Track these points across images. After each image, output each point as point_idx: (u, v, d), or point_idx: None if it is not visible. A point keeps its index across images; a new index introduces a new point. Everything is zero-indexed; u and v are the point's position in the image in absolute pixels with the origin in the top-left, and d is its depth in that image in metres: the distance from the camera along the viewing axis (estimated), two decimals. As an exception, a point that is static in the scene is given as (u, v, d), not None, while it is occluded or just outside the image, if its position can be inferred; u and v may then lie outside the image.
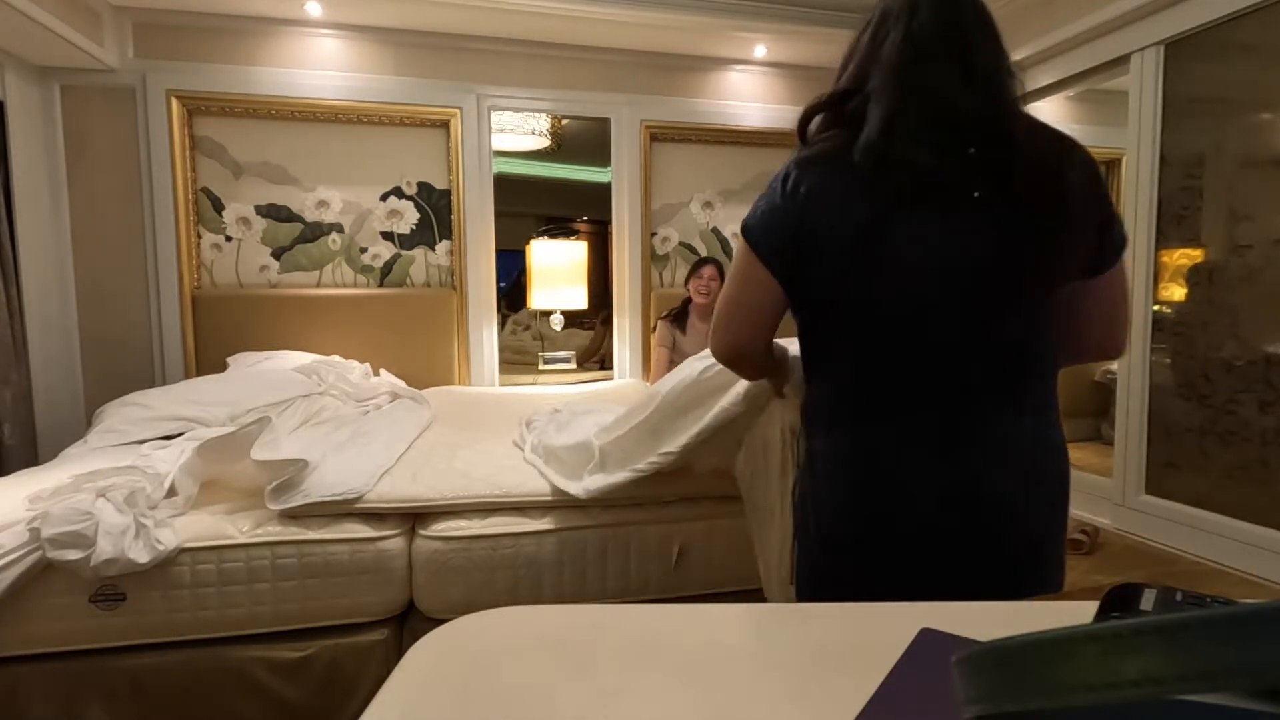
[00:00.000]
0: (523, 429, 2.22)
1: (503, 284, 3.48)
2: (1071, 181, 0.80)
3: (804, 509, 0.93)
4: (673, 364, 3.08)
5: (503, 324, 3.52)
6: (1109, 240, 0.85)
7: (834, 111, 0.88)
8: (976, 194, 0.78)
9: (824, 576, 0.90)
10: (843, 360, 0.88)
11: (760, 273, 0.87)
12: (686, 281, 3.14)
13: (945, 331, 0.81)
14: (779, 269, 0.86)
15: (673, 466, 1.63)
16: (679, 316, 3.13)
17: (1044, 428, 0.84)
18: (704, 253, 3.70)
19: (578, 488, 1.72)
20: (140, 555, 1.46)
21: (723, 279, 3.06)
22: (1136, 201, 2.48)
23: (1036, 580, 0.83)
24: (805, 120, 0.89)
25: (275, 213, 3.16)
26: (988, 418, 0.81)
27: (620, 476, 1.65)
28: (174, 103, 2.97)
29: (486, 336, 3.42)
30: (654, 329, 3.30)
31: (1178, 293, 2.40)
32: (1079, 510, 2.55)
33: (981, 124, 0.80)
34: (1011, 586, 0.70)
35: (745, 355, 0.95)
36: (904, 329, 0.82)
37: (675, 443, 1.57)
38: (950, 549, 0.81)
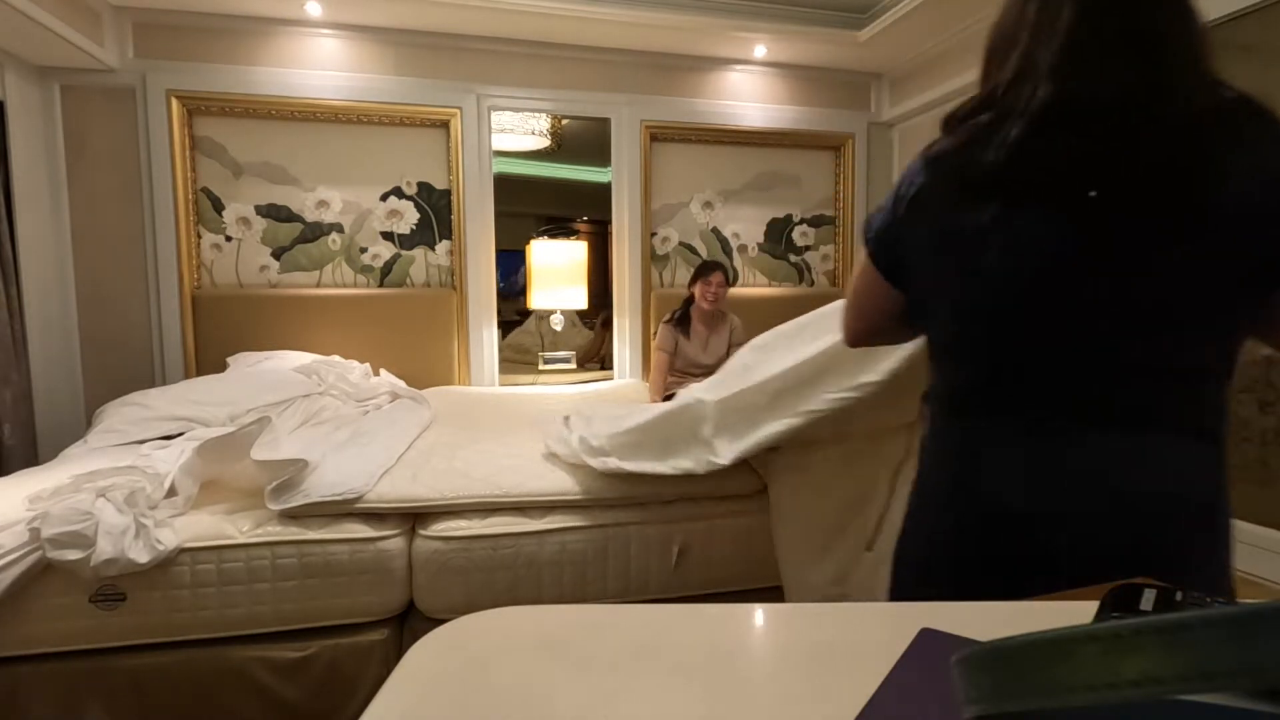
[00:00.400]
0: (566, 439, 1.92)
1: (502, 284, 3.48)
2: (1241, 177, 0.68)
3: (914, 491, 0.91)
4: (673, 368, 3.07)
5: (507, 326, 3.51)
6: None
7: (987, 101, 0.79)
8: (1093, 194, 0.71)
9: (906, 562, 0.89)
10: (943, 356, 0.87)
11: (875, 274, 0.89)
12: (691, 283, 3.06)
13: (1038, 338, 0.76)
14: (890, 273, 0.87)
15: (867, 398, 1.46)
16: (681, 320, 3.07)
17: (1162, 444, 0.74)
18: (704, 253, 3.70)
19: (703, 460, 1.61)
20: (140, 555, 1.46)
21: (729, 285, 3.01)
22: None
23: None
24: (954, 121, 0.81)
25: (275, 213, 3.16)
26: (1068, 427, 0.75)
27: (789, 421, 1.51)
28: (174, 103, 2.97)
29: (486, 336, 3.42)
30: (655, 331, 3.27)
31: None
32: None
33: (1136, 111, 0.71)
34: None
35: (870, 341, 1.00)
36: (998, 332, 0.78)
37: (880, 369, 1.40)
38: (1000, 560, 0.77)
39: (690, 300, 3.08)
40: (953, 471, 0.83)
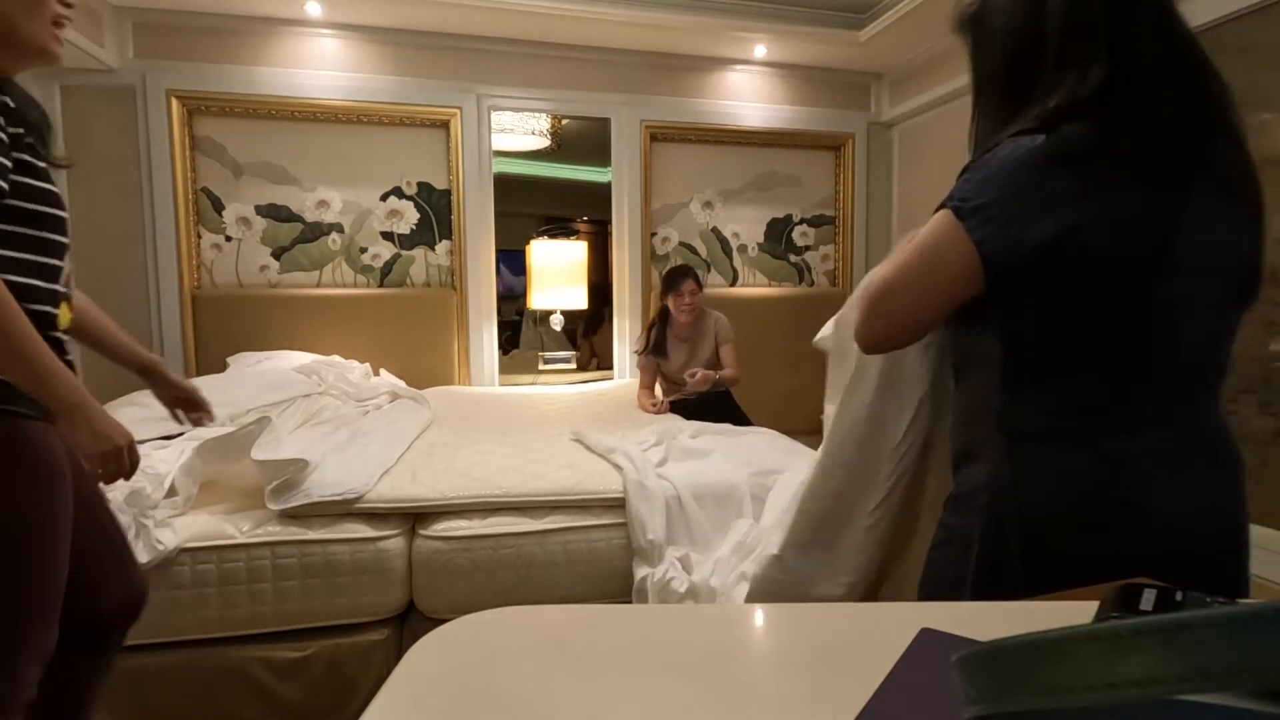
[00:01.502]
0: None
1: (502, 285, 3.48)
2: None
3: (998, 525, 0.79)
4: (669, 380, 3.04)
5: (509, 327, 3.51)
6: None
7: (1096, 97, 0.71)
8: (1222, 187, 0.70)
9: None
10: (1084, 368, 0.75)
11: (966, 259, 0.73)
12: (662, 296, 2.94)
13: (1201, 332, 0.73)
14: (991, 265, 0.74)
15: None
16: (657, 345, 2.94)
17: (1230, 446, 0.77)
18: (704, 253, 3.70)
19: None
20: (140, 555, 1.46)
21: (700, 288, 2.87)
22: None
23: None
24: (1061, 117, 0.72)
25: (275, 213, 3.16)
26: (1212, 422, 0.76)
27: None
28: (174, 103, 2.97)
29: (486, 336, 3.42)
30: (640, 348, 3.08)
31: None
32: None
33: (1223, 98, 0.71)
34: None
35: (898, 344, 0.86)
36: (1168, 333, 0.72)
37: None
38: (1196, 568, 0.72)
39: (665, 313, 2.94)
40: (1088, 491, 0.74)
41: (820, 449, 1.08)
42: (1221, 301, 0.73)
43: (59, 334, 1.09)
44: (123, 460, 1.06)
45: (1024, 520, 0.77)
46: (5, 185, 0.96)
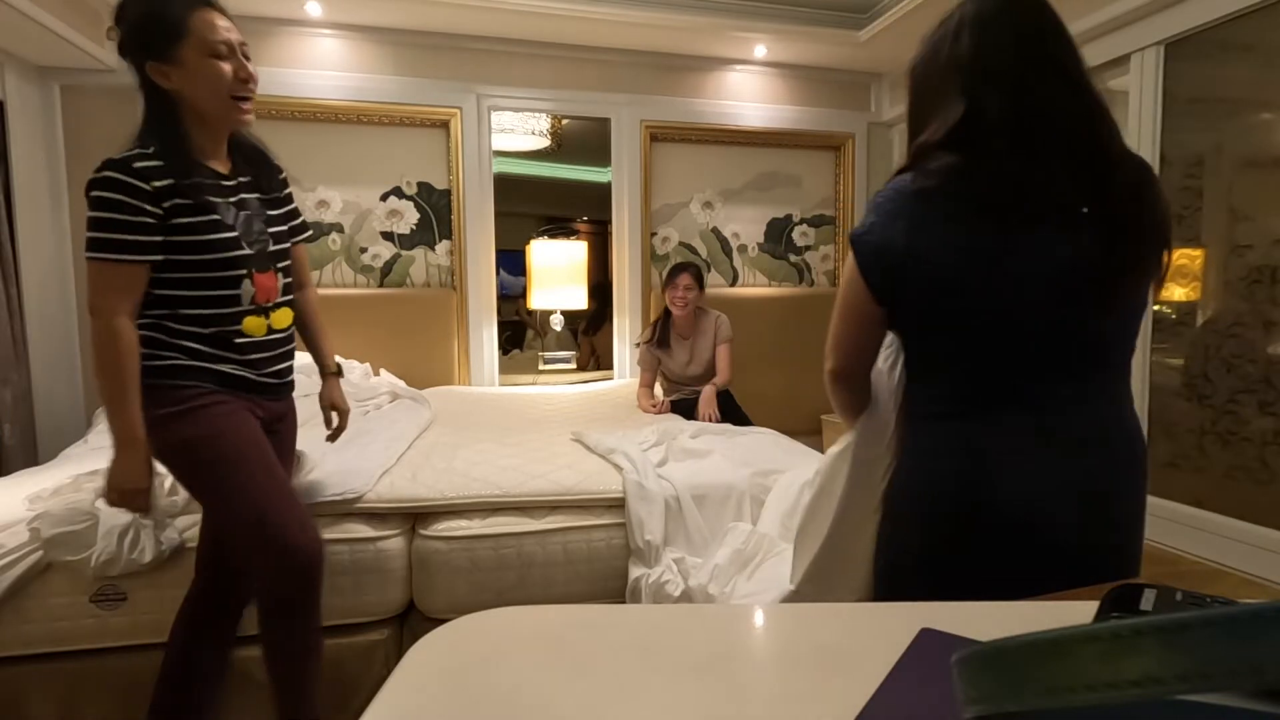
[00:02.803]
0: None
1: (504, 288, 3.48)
2: (1159, 194, 0.85)
3: (899, 502, 0.94)
4: (669, 379, 3.04)
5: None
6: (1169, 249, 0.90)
7: (949, 138, 0.86)
8: (1085, 209, 0.82)
9: (918, 571, 0.90)
10: (952, 364, 0.89)
11: (868, 299, 0.90)
12: (663, 290, 3.00)
13: (1047, 334, 0.84)
14: (883, 293, 0.89)
15: None
16: (661, 339, 2.98)
17: (1130, 416, 0.90)
18: (704, 253, 3.70)
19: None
20: (141, 555, 1.46)
21: (700, 286, 2.92)
22: (1136, 201, 2.47)
23: (1131, 568, 0.86)
24: (923, 153, 0.88)
25: (275, 213, 3.16)
26: (1087, 409, 0.85)
27: None
28: (174, 103, 2.97)
29: (486, 336, 3.42)
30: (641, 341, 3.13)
31: (1178, 293, 2.40)
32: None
33: (1092, 138, 0.83)
34: (1112, 575, 0.70)
35: (857, 374, 0.99)
36: (1013, 336, 0.85)
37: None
38: (1052, 540, 0.83)
39: (668, 309, 2.98)
40: (954, 467, 0.87)
41: (814, 489, 1.12)
42: (1058, 307, 0.83)
43: (255, 338, 1.31)
44: (130, 501, 1.23)
45: (907, 494, 0.92)
46: (159, 257, 1.20)
